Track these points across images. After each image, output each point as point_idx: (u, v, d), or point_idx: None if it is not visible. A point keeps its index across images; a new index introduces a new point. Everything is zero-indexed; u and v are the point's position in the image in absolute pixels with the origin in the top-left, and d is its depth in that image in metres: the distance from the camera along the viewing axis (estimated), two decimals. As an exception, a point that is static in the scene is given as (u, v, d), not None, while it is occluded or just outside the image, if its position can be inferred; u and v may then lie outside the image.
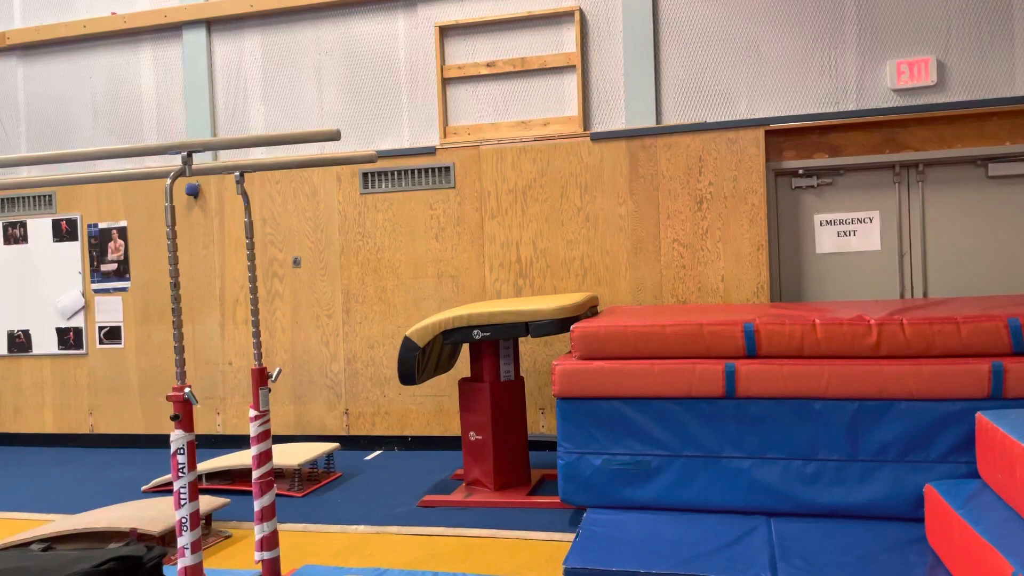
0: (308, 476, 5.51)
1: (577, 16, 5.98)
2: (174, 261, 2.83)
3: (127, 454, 6.66)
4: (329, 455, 5.62)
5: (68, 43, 7.08)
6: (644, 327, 4.20)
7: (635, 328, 4.20)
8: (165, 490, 5.32)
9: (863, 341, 3.95)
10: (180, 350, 2.86)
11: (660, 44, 5.92)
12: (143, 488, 5.42)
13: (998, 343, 3.80)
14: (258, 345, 3.51)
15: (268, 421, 3.44)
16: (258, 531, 3.42)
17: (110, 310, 6.96)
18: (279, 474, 5.43)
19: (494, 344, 4.95)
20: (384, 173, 6.34)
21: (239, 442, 6.54)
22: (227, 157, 6.55)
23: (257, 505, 3.42)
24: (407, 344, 4.79)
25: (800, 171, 5.78)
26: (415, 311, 6.25)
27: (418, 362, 4.82)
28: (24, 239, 7.17)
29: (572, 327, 4.34)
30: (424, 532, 4.34)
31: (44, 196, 7.10)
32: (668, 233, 5.85)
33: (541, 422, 6.07)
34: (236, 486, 5.26)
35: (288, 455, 5.28)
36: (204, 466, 5.28)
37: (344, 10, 6.49)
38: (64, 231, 7.05)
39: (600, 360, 4.23)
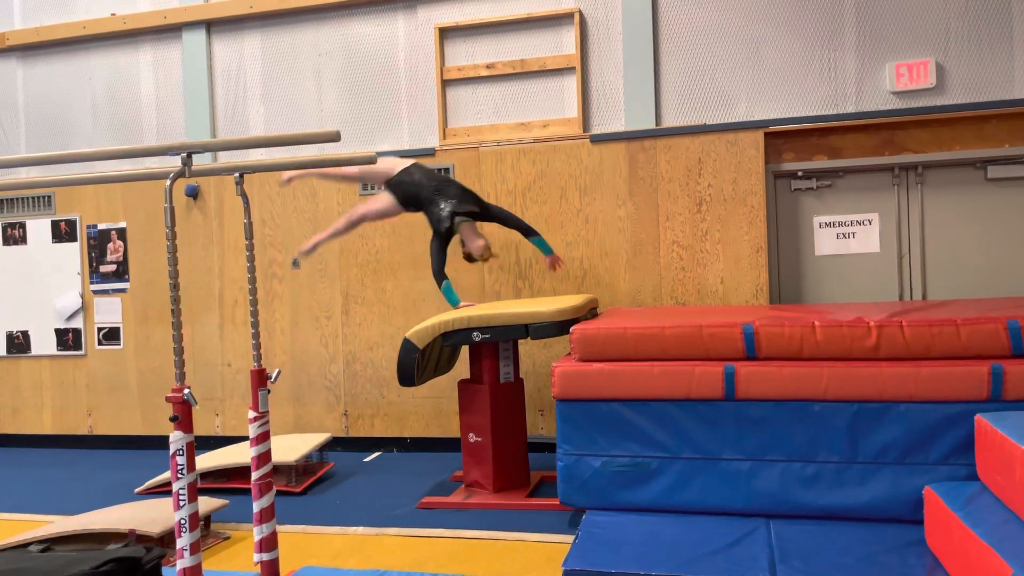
0: (304, 469, 5.50)
1: (577, 18, 5.98)
2: (173, 262, 2.83)
3: (126, 455, 6.65)
4: (321, 447, 5.65)
5: (68, 44, 7.07)
6: (643, 329, 4.20)
7: (634, 330, 4.20)
8: (159, 491, 5.31)
9: (862, 343, 3.94)
10: (179, 351, 2.86)
11: (660, 46, 5.92)
12: (136, 490, 5.41)
13: (997, 345, 3.80)
14: (257, 346, 3.50)
15: (267, 422, 3.44)
16: (257, 532, 3.41)
17: (109, 311, 6.96)
18: (275, 469, 5.42)
19: (493, 346, 4.95)
20: (383, 174, 6.33)
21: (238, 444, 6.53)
22: (226, 158, 6.55)
23: (256, 506, 3.42)
24: (406, 346, 4.79)
25: (799, 173, 5.78)
26: (414, 312, 6.25)
27: (417, 364, 4.82)
28: (23, 240, 7.16)
29: (571, 329, 4.34)
30: (423, 534, 4.34)
31: (43, 197, 7.09)
32: (667, 235, 5.85)
33: (540, 424, 6.07)
34: (231, 484, 5.25)
35: (283, 450, 5.27)
36: (199, 464, 5.27)
37: (344, 11, 6.49)
38: (63, 232, 7.05)
39: (599, 362, 4.23)
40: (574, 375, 4.21)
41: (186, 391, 2.78)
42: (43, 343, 7.11)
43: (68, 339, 7.05)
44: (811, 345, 4.00)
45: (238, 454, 5.38)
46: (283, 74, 6.66)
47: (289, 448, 5.36)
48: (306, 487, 5.24)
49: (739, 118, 5.80)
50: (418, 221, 6.26)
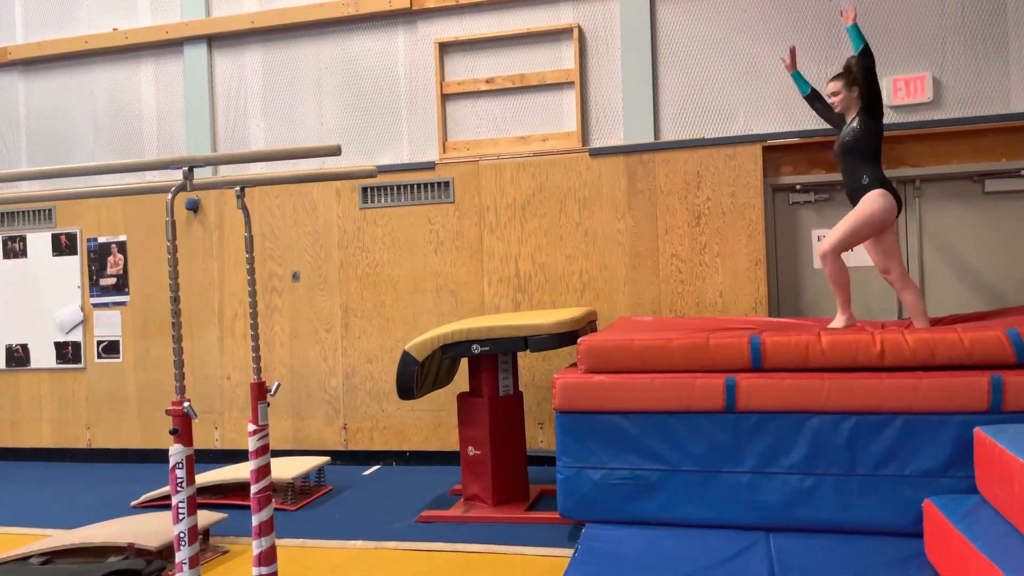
0: (300, 490, 5.50)
1: (576, 33, 6.02)
2: (174, 275, 2.84)
3: (124, 469, 6.63)
4: (320, 469, 5.64)
5: (69, 58, 7.11)
6: (649, 341, 4.18)
7: (641, 341, 4.18)
8: (155, 505, 5.29)
9: (868, 352, 3.93)
10: (179, 364, 2.86)
11: (658, 60, 5.96)
12: (132, 504, 5.39)
13: (1000, 355, 3.79)
14: (257, 359, 3.51)
15: (267, 436, 3.44)
16: (256, 546, 3.41)
17: (109, 324, 6.96)
18: (272, 487, 5.42)
19: (493, 359, 4.95)
20: (383, 188, 6.36)
21: (237, 457, 6.51)
22: (227, 172, 6.57)
23: (255, 520, 3.42)
24: (406, 358, 4.79)
25: (798, 186, 5.80)
26: (414, 326, 6.25)
27: (417, 376, 4.82)
28: (23, 253, 7.17)
29: (579, 341, 4.31)
30: (422, 548, 4.32)
31: (44, 210, 7.11)
32: (666, 248, 5.86)
33: (540, 437, 6.06)
34: (228, 500, 5.23)
35: (280, 469, 5.27)
36: (197, 480, 5.26)
37: (345, 26, 6.53)
38: (63, 245, 7.06)
39: (602, 374, 4.21)
40: (575, 387, 4.21)
41: (186, 404, 2.79)
42: (42, 356, 7.11)
43: (67, 352, 7.05)
44: (817, 355, 3.99)
45: (233, 473, 5.37)
46: (284, 88, 6.69)
47: (285, 467, 5.36)
48: (301, 506, 5.22)
49: (737, 132, 5.83)
50: (418, 235, 6.28)
